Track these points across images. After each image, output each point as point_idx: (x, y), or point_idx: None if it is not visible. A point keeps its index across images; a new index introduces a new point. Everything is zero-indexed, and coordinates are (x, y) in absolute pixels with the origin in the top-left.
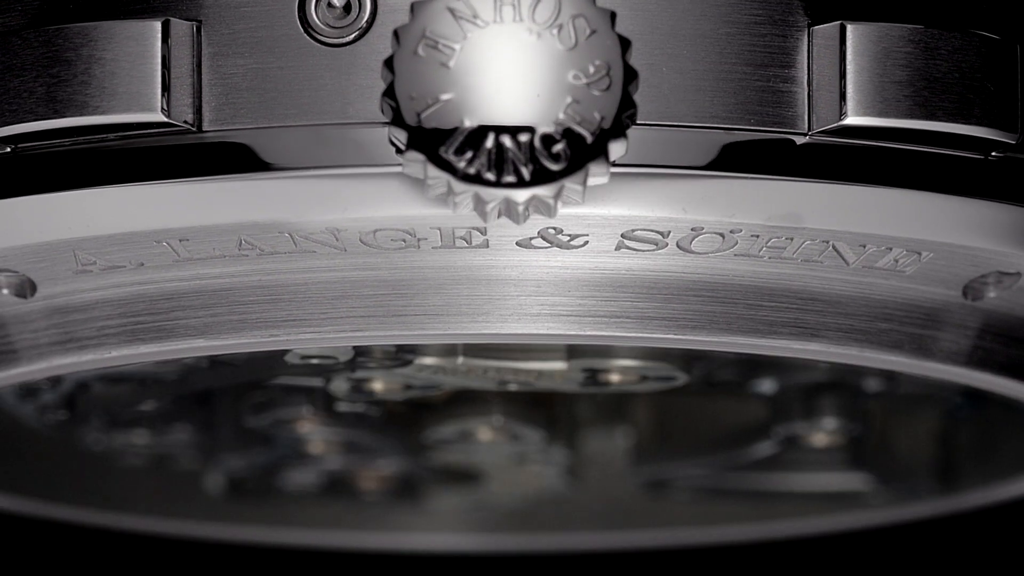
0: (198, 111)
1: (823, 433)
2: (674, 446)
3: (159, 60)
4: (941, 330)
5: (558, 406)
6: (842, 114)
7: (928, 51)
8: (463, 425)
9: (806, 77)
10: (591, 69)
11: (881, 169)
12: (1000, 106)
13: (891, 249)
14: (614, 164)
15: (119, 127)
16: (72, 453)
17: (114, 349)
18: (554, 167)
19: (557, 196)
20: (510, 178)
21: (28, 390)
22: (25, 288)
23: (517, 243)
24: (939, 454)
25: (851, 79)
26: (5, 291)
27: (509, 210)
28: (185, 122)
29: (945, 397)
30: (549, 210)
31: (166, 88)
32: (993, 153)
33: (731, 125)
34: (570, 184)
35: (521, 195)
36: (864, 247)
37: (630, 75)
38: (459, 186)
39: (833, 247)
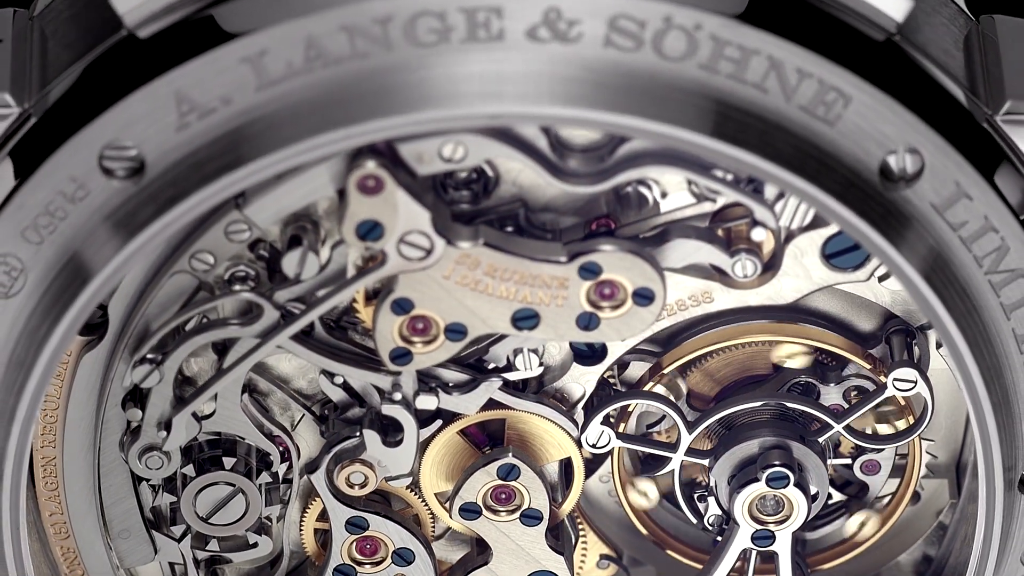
0: None
1: None
2: None
3: None
4: (865, 196)
5: None
6: None
7: None
8: None
9: None
10: None
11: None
12: None
13: (821, 83)
14: None
15: None
16: None
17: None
18: None
19: None
20: None
21: None
22: (137, 169)
23: (526, 32)
24: None
25: None
26: (120, 174)
27: None
28: None
29: None
30: None
31: None
32: (896, 35)
33: None
34: None
35: None
36: (799, 72)
37: None
38: None
39: (776, 74)
